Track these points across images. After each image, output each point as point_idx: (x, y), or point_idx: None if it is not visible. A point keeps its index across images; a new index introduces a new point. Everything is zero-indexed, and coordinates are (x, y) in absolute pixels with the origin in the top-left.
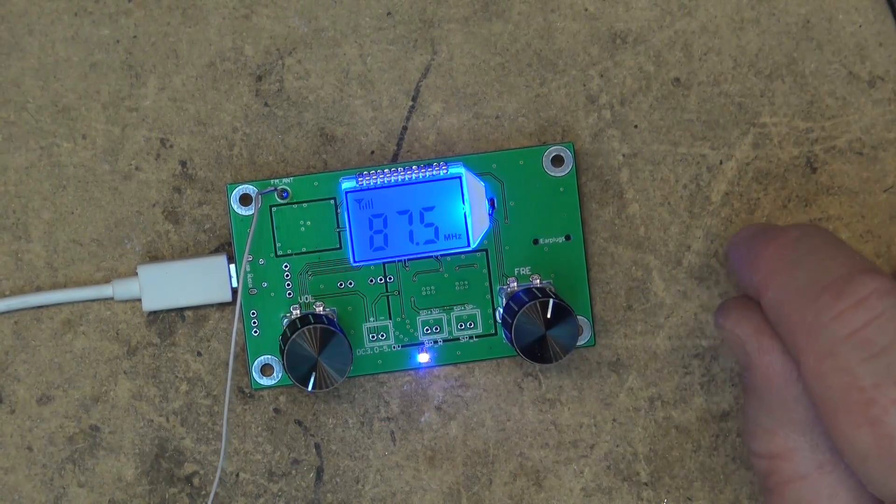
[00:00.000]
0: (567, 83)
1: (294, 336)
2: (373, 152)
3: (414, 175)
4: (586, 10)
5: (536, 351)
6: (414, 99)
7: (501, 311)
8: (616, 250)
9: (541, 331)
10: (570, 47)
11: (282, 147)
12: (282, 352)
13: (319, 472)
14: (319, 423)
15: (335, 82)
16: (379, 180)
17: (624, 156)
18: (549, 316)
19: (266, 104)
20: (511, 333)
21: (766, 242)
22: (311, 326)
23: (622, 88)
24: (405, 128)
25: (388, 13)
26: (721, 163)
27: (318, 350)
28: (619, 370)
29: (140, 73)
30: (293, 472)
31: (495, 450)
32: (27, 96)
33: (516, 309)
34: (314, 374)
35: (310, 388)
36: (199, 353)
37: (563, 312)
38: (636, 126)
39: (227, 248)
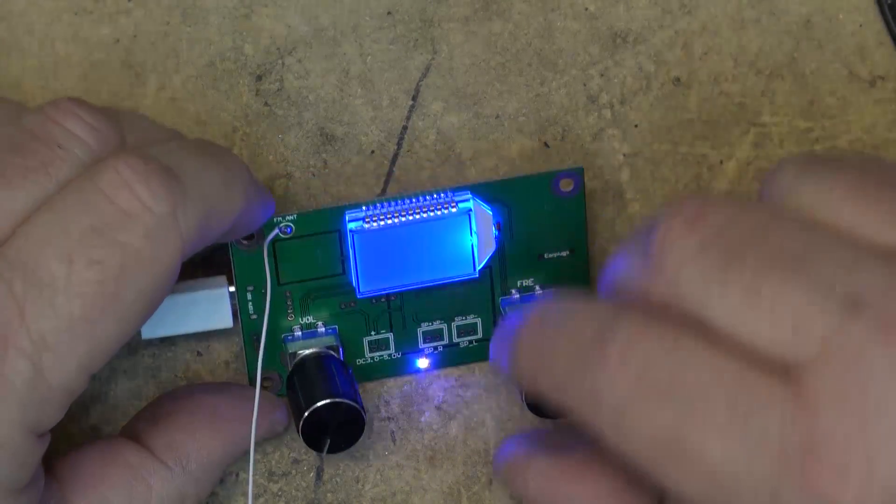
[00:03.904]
0: (567, 83)
1: (308, 413)
2: (373, 152)
3: (422, 215)
4: (586, 9)
5: None
6: (414, 98)
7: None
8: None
9: None
10: (571, 47)
11: (282, 146)
12: (296, 414)
13: (319, 471)
14: None
15: (335, 82)
16: (385, 222)
17: (624, 155)
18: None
19: (266, 104)
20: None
21: (516, 352)
22: (328, 402)
23: (622, 88)
24: (405, 127)
25: (389, 12)
26: (721, 162)
27: (334, 425)
28: None
29: (140, 72)
30: (293, 471)
31: (496, 450)
32: (27, 96)
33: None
34: (328, 441)
35: (324, 453)
36: (200, 353)
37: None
38: (636, 126)
39: (227, 271)
